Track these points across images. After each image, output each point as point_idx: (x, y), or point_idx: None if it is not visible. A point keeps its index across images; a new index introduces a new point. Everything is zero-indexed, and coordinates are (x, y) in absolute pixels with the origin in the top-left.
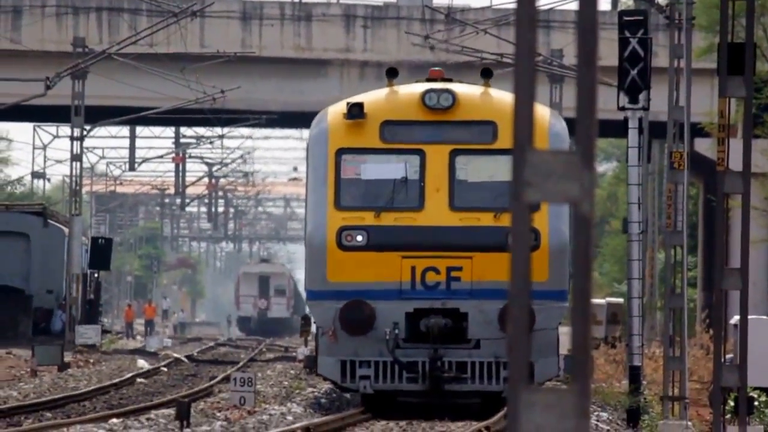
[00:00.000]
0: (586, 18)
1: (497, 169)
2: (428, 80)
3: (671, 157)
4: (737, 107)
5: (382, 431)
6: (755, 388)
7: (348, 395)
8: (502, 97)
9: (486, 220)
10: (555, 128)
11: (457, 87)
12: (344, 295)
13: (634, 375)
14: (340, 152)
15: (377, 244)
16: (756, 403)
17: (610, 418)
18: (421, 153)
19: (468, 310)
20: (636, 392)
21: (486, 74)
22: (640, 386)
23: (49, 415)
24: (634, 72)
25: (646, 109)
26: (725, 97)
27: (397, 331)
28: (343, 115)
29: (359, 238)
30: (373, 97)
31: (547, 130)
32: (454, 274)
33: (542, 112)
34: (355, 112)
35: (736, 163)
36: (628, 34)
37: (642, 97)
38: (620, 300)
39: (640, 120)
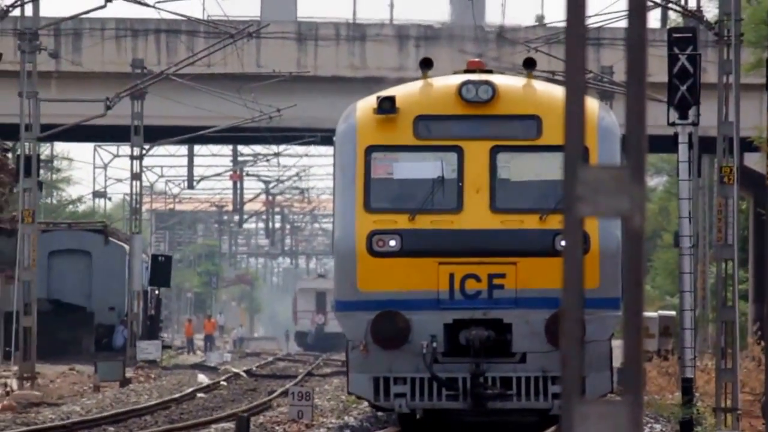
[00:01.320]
0: (635, 35)
1: (542, 167)
2: (466, 71)
3: (721, 171)
4: None
5: None
6: None
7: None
8: (547, 89)
9: (531, 222)
10: (604, 122)
11: (497, 78)
12: (376, 305)
13: (687, 387)
14: (370, 150)
15: (412, 249)
16: None
17: (663, 429)
18: (458, 150)
19: (512, 320)
20: (689, 404)
21: (529, 64)
22: (692, 398)
23: (111, 429)
24: (683, 88)
25: (695, 124)
26: None
27: (434, 345)
28: (373, 110)
29: (392, 243)
30: (405, 91)
31: (596, 124)
32: (496, 281)
33: (591, 105)
34: (387, 106)
35: None
36: (677, 51)
37: (692, 112)
38: (672, 313)
39: (690, 135)
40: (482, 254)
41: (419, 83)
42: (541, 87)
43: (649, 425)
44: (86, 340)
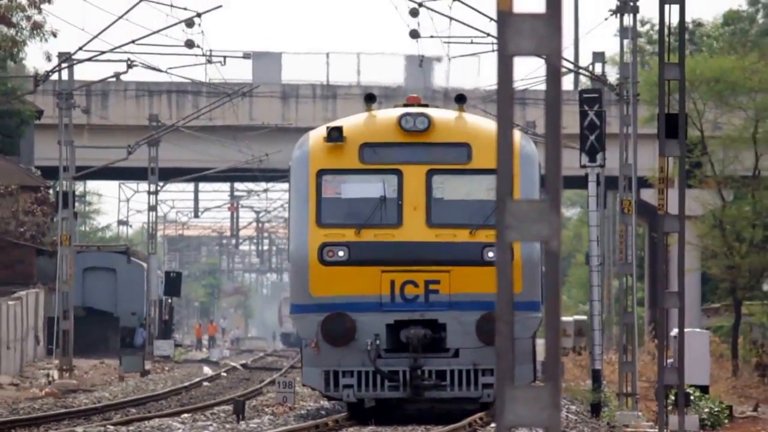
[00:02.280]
0: (553, 96)
1: (472, 188)
2: (405, 105)
3: (622, 204)
4: (674, 164)
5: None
6: (690, 386)
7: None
8: (476, 121)
9: (462, 236)
10: (525, 150)
11: (432, 111)
12: (326, 308)
13: (596, 376)
14: (321, 173)
15: (358, 259)
16: (691, 397)
17: (578, 410)
18: (398, 173)
19: (446, 320)
20: (597, 390)
21: (460, 99)
22: (600, 385)
23: (133, 410)
24: (592, 137)
25: (602, 166)
26: (664, 156)
27: (378, 342)
28: (324, 139)
29: (340, 253)
30: (351, 122)
31: (518, 152)
32: (432, 287)
33: (515, 135)
34: (335, 135)
35: (673, 208)
36: (586, 108)
37: (599, 156)
38: (584, 317)
39: (597, 175)
40: (419, 263)
41: (364, 115)
42: (471, 119)
43: (566, 406)
44: (113, 340)
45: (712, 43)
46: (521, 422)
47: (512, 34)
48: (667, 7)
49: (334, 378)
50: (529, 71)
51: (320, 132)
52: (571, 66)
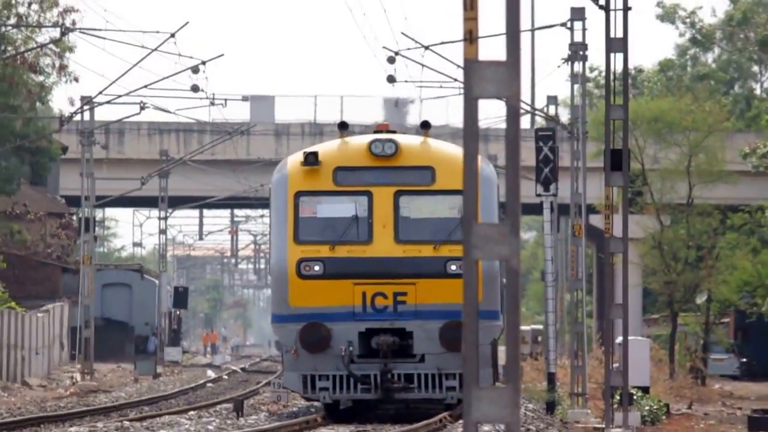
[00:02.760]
0: (512, 133)
1: (436, 207)
2: (375, 132)
3: (573, 228)
4: (618, 193)
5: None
6: (633, 387)
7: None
8: (439, 146)
9: (427, 251)
10: (485, 172)
11: (399, 137)
12: (304, 318)
13: (551, 378)
14: (299, 194)
15: (332, 273)
16: (634, 397)
17: (535, 408)
18: (369, 194)
19: (413, 329)
20: (552, 390)
21: (425, 126)
22: (554, 386)
23: (147, 408)
24: (546, 170)
25: (555, 195)
26: (609, 186)
27: (351, 349)
28: (301, 163)
29: (316, 268)
30: (326, 147)
31: (478, 173)
32: (400, 298)
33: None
34: (311, 159)
35: (617, 232)
36: (541, 144)
37: (552, 187)
38: (540, 327)
39: (552, 203)
40: (388, 276)
41: (337, 141)
42: (434, 143)
43: (525, 405)
44: (128, 346)
45: (652, 88)
46: (486, 419)
47: (477, 79)
48: (612, 56)
49: (312, 381)
50: (493, 109)
51: (298, 157)
52: (528, 107)
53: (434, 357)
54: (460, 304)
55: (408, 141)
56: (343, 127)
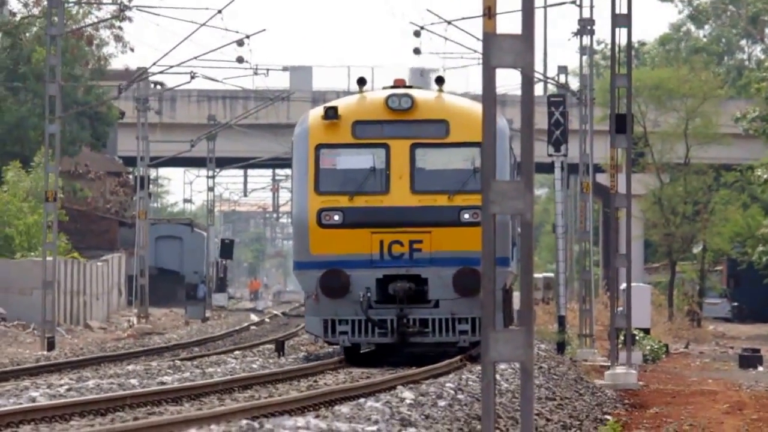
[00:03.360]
0: (527, 99)
1: (450, 159)
2: (392, 87)
3: (582, 185)
4: (622, 154)
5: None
6: (636, 328)
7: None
8: (453, 100)
9: (441, 201)
10: (498, 125)
11: (415, 92)
12: (324, 265)
13: (561, 321)
14: (319, 147)
15: (351, 222)
16: (636, 337)
17: (547, 348)
18: (386, 147)
19: (428, 275)
20: (562, 332)
21: (439, 81)
22: (565, 328)
23: (196, 349)
24: (557, 132)
25: (565, 155)
26: (614, 147)
27: (369, 295)
28: (321, 117)
29: (336, 217)
30: (345, 102)
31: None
32: (416, 246)
33: None
34: (331, 113)
35: (622, 189)
36: (553, 109)
37: (563, 148)
38: (552, 275)
39: (562, 162)
40: (404, 225)
41: (356, 96)
42: (448, 98)
43: (537, 345)
44: (179, 293)
45: (653, 59)
46: (502, 358)
47: (495, 50)
48: (617, 30)
49: (332, 326)
50: (508, 80)
51: (318, 111)
52: (540, 76)
53: (448, 302)
54: (472, 251)
55: (423, 95)
56: (362, 82)
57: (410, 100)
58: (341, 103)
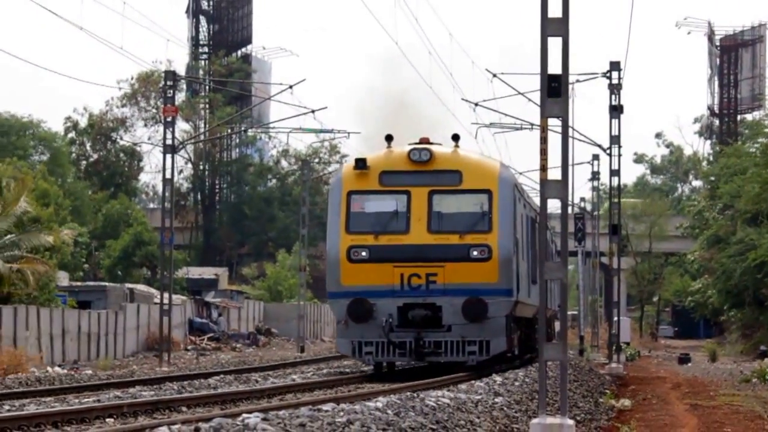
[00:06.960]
0: (563, 216)
1: (462, 204)
2: (417, 143)
3: (592, 264)
4: (615, 246)
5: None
6: (622, 342)
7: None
8: (466, 153)
9: (453, 239)
10: (503, 174)
11: (433, 147)
12: (352, 294)
13: (581, 338)
14: (350, 193)
15: (376, 257)
16: (622, 347)
17: (573, 353)
18: (408, 193)
19: (442, 303)
20: (581, 344)
21: (455, 138)
22: (583, 341)
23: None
24: (579, 234)
25: (583, 246)
26: (611, 243)
27: (390, 320)
28: (353, 168)
29: (363, 253)
30: (374, 155)
31: (497, 175)
32: (431, 278)
33: (494, 163)
34: (361, 165)
35: (615, 265)
36: (577, 221)
37: (582, 242)
38: (576, 312)
39: (581, 250)
40: (422, 260)
41: (384, 150)
42: (463, 152)
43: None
44: None
45: (631, 192)
46: (550, 358)
47: (547, 189)
48: (613, 178)
49: (359, 347)
50: (552, 203)
51: (351, 163)
52: (570, 203)
53: (458, 327)
54: (479, 283)
55: (440, 150)
56: (389, 139)
57: (429, 153)
58: (370, 156)
